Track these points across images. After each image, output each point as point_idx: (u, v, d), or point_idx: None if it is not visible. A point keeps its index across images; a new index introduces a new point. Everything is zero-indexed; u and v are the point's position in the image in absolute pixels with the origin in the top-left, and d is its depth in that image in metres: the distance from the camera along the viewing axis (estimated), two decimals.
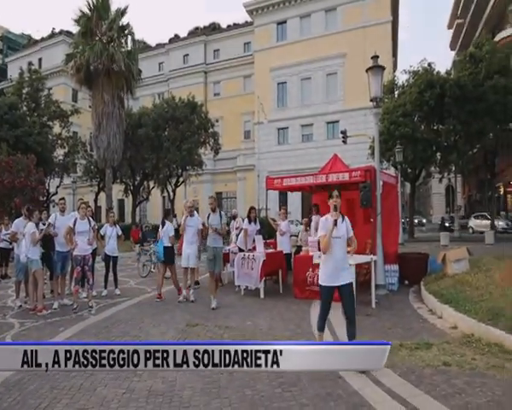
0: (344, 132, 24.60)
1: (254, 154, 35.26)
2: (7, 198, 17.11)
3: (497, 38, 25.67)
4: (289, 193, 28.70)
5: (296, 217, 28.91)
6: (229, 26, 42.31)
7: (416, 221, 38.49)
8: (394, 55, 35.94)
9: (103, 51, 18.08)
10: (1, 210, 16.06)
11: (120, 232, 8.70)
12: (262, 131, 34.45)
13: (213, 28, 43.89)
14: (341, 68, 31.58)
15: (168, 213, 8.63)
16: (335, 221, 4.05)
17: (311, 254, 7.68)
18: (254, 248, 8.23)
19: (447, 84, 18.25)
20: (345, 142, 24.20)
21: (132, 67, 19.35)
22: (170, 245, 7.64)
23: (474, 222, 26.55)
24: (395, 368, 3.98)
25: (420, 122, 20.41)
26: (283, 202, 32.85)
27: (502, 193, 30.40)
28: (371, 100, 8.21)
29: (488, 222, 23.86)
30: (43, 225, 7.24)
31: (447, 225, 28.65)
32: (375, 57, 7.96)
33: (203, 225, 7.48)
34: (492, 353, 4.36)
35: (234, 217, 10.51)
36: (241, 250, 8.45)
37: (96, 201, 30.43)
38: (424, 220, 43.37)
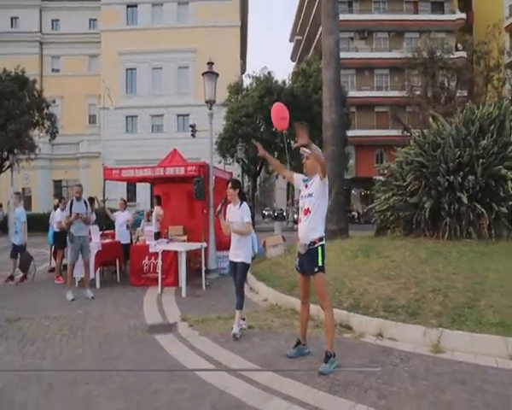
0: (193, 126, 25.40)
1: (100, 140, 32.97)
2: None
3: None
4: (138, 184, 28.02)
5: (145, 207, 28.42)
6: None
7: (265, 213, 42.18)
8: (243, 57, 38.59)
9: None
10: None
11: None
12: (108, 118, 32.38)
13: None
14: (193, 63, 32.24)
15: None
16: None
17: (148, 244, 8.06)
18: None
19: (283, 93, 20.85)
20: (193, 135, 25.04)
21: None
22: None
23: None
24: (208, 335, 4.75)
25: (261, 124, 22.71)
26: (132, 192, 31.88)
27: None
28: (206, 102, 8.97)
29: None
30: None
31: (276, 214, 32.60)
32: (211, 63, 8.76)
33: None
34: (287, 316, 5.55)
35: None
36: None
37: None
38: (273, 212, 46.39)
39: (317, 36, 34.94)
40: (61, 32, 36.32)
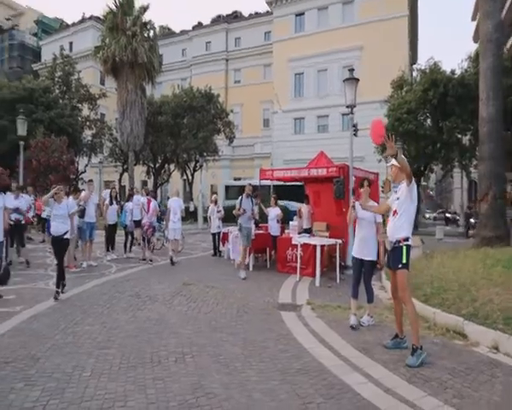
0: (355, 125, 25.58)
1: (271, 142, 36.52)
2: (42, 175, 19.26)
3: None
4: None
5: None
6: (250, 15, 43.19)
7: (434, 215, 38.10)
8: (413, 48, 36.07)
9: (127, 45, 19.88)
10: (38, 185, 18.18)
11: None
12: (278, 120, 35.62)
13: (235, 16, 44.83)
14: (357, 61, 32.14)
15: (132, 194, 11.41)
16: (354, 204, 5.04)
17: (291, 237, 9.21)
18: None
19: (450, 84, 18.97)
20: (356, 134, 25.21)
21: (153, 60, 21.08)
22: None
23: None
24: (324, 318, 5.51)
25: (424, 120, 21.21)
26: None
27: None
28: (347, 106, 9.49)
29: None
30: (79, 206, 9.02)
31: (447, 217, 29.18)
32: (351, 70, 9.23)
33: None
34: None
35: (215, 202, 12.02)
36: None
37: (120, 181, 32.66)
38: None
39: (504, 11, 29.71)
40: (242, 47, 41.76)
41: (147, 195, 10.94)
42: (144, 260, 10.18)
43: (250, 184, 9.07)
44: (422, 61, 23.18)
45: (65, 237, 6.43)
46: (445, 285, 5.94)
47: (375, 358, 4.10)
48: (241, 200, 8.48)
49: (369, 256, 5.14)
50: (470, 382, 3.59)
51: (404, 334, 4.42)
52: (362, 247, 5.15)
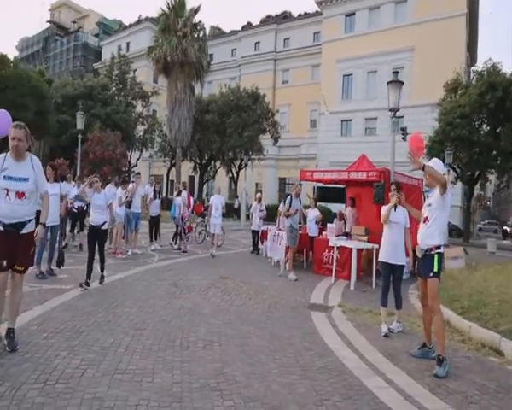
0: (404, 129, 24.75)
1: (317, 143, 36.23)
2: (97, 167, 20.59)
3: None
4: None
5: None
6: (299, 15, 43.03)
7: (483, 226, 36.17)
8: (471, 49, 34.17)
9: (178, 46, 20.74)
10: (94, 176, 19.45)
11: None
12: (324, 122, 35.25)
13: (284, 17, 44.86)
14: (409, 63, 31.06)
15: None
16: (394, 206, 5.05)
17: (328, 239, 9.19)
18: None
19: (511, 88, 17.77)
20: (404, 138, 24.39)
21: (202, 60, 21.80)
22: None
23: None
24: (353, 321, 5.51)
25: (479, 125, 20.05)
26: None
27: None
28: (390, 110, 9.28)
29: None
30: (126, 198, 9.60)
31: (505, 229, 27.46)
32: (396, 72, 9.02)
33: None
34: None
35: (259, 200, 12.22)
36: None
37: (168, 175, 34.06)
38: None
39: None
40: (290, 48, 41.74)
41: (184, 190, 11.50)
42: (180, 249, 10.91)
43: (300, 184, 9.06)
44: (482, 64, 21.94)
45: (103, 227, 6.48)
46: (485, 299, 5.70)
47: (400, 365, 4.07)
48: (291, 200, 8.42)
49: (401, 261, 5.11)
50: (498, 400, 3.47)
51: (432, 343, 4.33)
52: (393, 251, 5.12)
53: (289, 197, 8.55)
